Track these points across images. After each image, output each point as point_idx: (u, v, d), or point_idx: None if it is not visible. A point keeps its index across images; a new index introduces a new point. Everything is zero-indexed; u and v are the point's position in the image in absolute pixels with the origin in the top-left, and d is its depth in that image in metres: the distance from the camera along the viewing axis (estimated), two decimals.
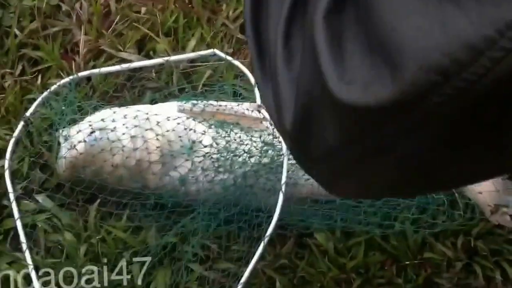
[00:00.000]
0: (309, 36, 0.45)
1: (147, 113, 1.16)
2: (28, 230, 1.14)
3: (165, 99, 1.28)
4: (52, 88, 1.27)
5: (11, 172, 1.19)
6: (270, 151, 1.14)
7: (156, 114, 1.16)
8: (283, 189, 1.10)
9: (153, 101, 1.28)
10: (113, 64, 1.34)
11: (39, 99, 1.26)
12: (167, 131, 1.14)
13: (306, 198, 1.14)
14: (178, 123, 1.15)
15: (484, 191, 1.10)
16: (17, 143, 1.23)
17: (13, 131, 1.24)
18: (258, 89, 0.55)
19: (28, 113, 1.24)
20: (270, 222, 1.09)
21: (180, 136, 1.13)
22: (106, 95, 1.30)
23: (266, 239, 1.08)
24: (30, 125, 1.24)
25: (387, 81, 0.38)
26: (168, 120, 1.16)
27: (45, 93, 1.26)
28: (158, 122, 1.15)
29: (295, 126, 0.48)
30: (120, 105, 1.25)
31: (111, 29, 1.40)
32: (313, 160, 0.51)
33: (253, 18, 0.54)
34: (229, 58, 1.28)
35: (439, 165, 0.44)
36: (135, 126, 1.14)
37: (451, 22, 0.35)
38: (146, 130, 1.13)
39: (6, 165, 1.19)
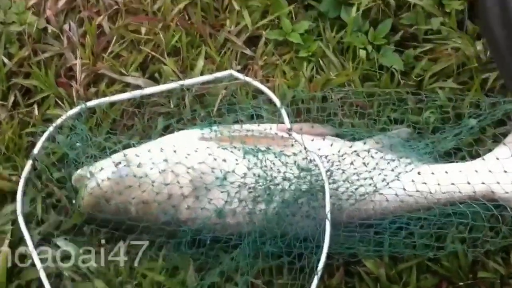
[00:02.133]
0: None
1: (174, 145, 1.07)
2: (53, 281, 1.04)
3: (179, 125, 1.19)
4: (59, 121, 1.15)
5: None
6: (308, 177, 1.07)
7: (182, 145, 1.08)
8: (329, 217, 1.03)
9: (167, 129, 1.19)
10: (117, 90, 1.24)
11: (46, 134, 1.14)
12: (199, 163, 1.06)
13: (352, 223, 1.08)
14: (209, 154, 1.07)
15: None
16: (26, 183, 1.12)
17: (18, 170, 1.14)
18: None
19: (35, 151, 1.13)
20: (316, 253, 1.02)
21: (213, 168, 1.05)
22: (114, 124, 1.21)
23: (319, 273, 1.01)
24: (37, 162, 1.13)
25: None
26: (196, 151, 1.07)
27: (51, 128, 1.15)
28: (187, 155, 1.06)
29: None
30: (131, 136, 1.17)
31: (108, 51, 1.30)
32: None
33: None
34: (248, 79, 1.20)
35: None
36: (164, 160, 1.05)
37: None
38: (176, 164, 1.05)
39: (19, 210, 1.08)
